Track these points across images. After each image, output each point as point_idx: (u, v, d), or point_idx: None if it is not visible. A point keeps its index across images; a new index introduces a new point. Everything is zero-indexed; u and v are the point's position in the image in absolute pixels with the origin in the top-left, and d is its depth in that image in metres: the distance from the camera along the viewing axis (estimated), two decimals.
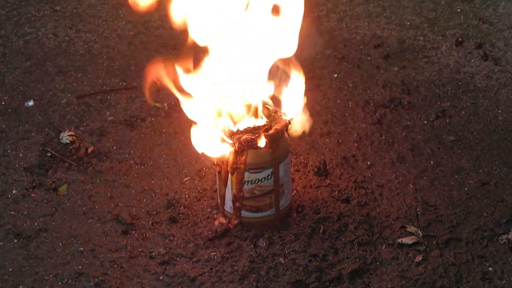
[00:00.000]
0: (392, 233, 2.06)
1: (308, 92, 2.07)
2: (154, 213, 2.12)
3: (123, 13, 2.90)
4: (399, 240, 2.04)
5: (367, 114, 2.44)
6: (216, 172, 2.03)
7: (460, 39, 2.74)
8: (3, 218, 2.12)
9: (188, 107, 1.98)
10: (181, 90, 1.98)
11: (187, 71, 1.96)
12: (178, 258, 2.00)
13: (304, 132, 2.16)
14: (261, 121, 1.98)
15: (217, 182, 2.05)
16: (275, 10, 1.94)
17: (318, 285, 1.93)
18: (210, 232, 2.04)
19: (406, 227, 2.07)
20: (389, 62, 2.66)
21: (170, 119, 2.43)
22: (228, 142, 1.93)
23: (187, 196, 2.17)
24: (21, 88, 2.56)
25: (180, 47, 2.70)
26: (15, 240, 2.06)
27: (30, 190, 2.20)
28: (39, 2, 2.94)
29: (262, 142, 1.92)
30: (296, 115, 2.03)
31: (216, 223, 2.06)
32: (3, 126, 2.41)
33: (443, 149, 2.32)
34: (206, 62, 1.96)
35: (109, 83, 2.58)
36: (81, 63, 2.67)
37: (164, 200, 2.16)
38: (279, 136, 1.95)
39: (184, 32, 1.96)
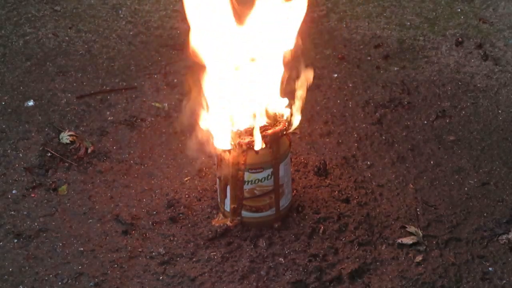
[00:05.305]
0: (392, 233, 2.06)
1: (308, 92, 2.07)
2: (154, 213, 2.12)
3: (123, 13, 2.90)
4: (399, 240, 2.04)
5: (367, 114, 2.44)
6: (217, 178, 2.03)
7: (460, 39, 2.74)
8: (3, 218, 2.12)
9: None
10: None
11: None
12: (178, 258, 2.00)
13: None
14: (261, 121, 1.97)
15: (218, 186, 2.05)
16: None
17: (318, 285, 1.93)
18: (210, 232, 2.04)
19: (406, 227, 2.07)
20: (389, 62, 2.66)
21: (170, 119, 2.44)
22: (228, 144, 1.94)
23: (187, 196, 2.17)
24: (21, 88, 2.56)
25: (180, 47, 2.71)
26: (15, 240, 2.06)
27: (30, 190, 2.20)
28: (39, 2, 2.94)
29: (258, 145, 1.92)
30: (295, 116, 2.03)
31: (215, 222, 2.05)
32: (3, 126, 2.41)
33: (443, 149, 2.32)
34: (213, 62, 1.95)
35: (109, 83, 2.58)
36: (81, 63, 2.67)
37: (164, 200, 2.16)
38: (278, 136, 1.95)
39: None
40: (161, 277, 1.96)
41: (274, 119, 1.98)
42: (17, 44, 2.74)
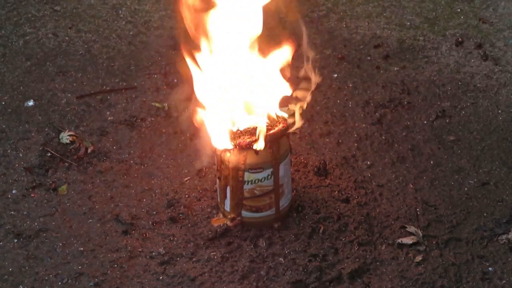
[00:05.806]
0: (392, 233, 2.06)
1: (311, 93, 2.07)
2: (154, 213, 2.12)
3: (123, 13, 2.90)
4: (399, 240, 2.04)
5: (367, 114, 2.44)
6: (217, 178, 2.03)
7: (460, 39, 2.74)
8: (3, 218, 2.12)
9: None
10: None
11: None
12: (178, 258, 2.00)
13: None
14: (262, 122, 1.97)
15: (218, 186, 2.05)
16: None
17: (318, 285, 1.93)
18: (210, 232, 2.04)
19: (406, 227, 2.07)
20: (389, 62, 2.66)
21: (170, 119, 2.44)
22: (228, 144, 1.93)
23: (187, 196, 2.17)
24: (21, 88, 2.56)
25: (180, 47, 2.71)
26: (15, 240, 2.06)
27: (30, 190, 2.20)
28: (39, 2, 2.94)
29: (260, 145, 1.92)
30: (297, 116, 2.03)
31: (214, 222, 2.05)
32: (3, 126, 2.41)
33: (443, 149, 2.32)
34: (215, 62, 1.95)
35: (109, 83, 2.58)
36: (81, 63, 2.67)
37: (164, 200, 2.16)
38: (278, 136, 1.95)
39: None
40: (161, 277, 1.96)
41: (273, 119, 1.98)
42: (17, 44, 2.74)
